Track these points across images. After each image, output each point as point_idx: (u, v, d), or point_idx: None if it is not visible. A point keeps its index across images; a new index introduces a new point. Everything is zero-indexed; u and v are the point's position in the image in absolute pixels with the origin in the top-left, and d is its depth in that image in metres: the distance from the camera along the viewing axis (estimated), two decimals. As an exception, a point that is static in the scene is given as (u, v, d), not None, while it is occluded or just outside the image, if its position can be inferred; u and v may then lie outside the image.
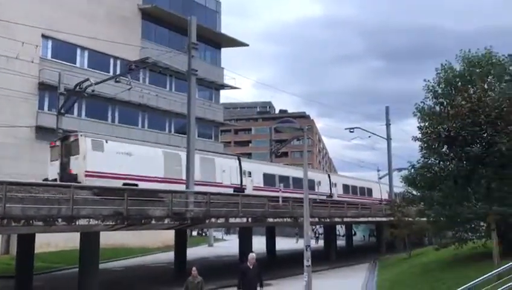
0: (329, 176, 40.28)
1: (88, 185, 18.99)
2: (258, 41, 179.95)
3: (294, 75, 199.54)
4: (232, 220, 22.18)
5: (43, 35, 33.25)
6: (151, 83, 40.87)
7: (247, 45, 49.49)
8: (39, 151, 31.59)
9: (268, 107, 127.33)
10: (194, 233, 54.43)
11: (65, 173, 20.91)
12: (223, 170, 27.33)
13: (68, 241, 29.53)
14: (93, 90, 25.42)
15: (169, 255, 30.25)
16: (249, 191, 28.14)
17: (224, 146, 52.82)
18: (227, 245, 45.61)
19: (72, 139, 21.49)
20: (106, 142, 21.94)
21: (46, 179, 21.17)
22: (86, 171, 20.22)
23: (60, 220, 14.88)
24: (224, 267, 29.29)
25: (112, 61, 38.33)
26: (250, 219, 22.98)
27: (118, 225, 17.01)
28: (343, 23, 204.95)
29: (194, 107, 24.17)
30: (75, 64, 35.86)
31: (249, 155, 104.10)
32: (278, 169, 33.08)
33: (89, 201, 16.37)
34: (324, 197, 35.17)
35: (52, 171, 21.79)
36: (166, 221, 18.85)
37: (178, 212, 19.35)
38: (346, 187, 41.36)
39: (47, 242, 29.11)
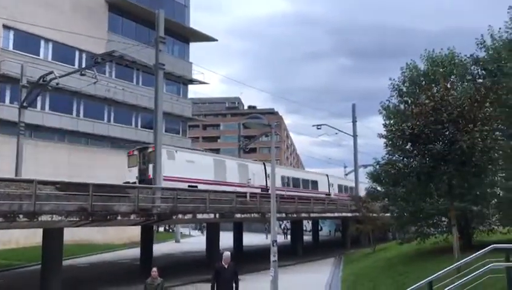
0: (327, 177, 43.33)
1: (52, 180, 18.59)
2: (226, 37, 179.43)
3: (263, 71, 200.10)
4: (199, 215, 22.10)
5: (4, 26, 32.20)
6: (118, 77, 40.18)
7: (216, 40, 49.26)
8: (1, 145, 30.67)
9: (237, 102, 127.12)
10: (161, 229, 53.91)
11: (145, 178, 25.20)
12: (254, 174, 32.86)
13: (29, 238, 28.86)
14: (57, 83, 24.86)
15: (135, 252, 29.91)
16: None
17: (192, 141, 52.43)
18: (195, 241, 45.41)
19: (150, 150, 25.84)
20: (176, 152, 26.98)
21: (127, 182, 24.61)
22: (164, 176, 24.13)
23: (21, 216, 14.47)
24: (190, 263, 29.22)
25: (77, 53, 37.46)
26: (217, 215, 22.95)
27: (82, 221, 16.67)
28: (312, 21, 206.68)
29: (162, 101, 23.92)
30: (38, 56, 34.88)
31: (217, 151, 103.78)
32: (290, 172, 39.79)
33: (52, 197, 15.96)
34: (323, 196, 38.85)
35: (131, 175, 26.52)
36: (132, 217, 18.60)
37: (144, 208, 19.12)
38: (340, 187, 45.31)
39: (7, 239, 28.31)
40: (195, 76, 47.09)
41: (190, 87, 48.68)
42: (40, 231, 18.13)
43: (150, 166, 25.37)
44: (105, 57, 26.52)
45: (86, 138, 38.01)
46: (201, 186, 25.90)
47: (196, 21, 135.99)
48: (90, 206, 16.53)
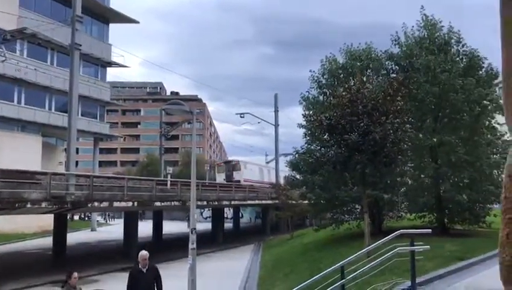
0: None
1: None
2: (148, 19, 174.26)
3: (186, 56, 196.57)
4: (116, 204, 21.45)
5: None
6: (30, 56, 37.49)
7: (138, 22, 47.64)
8: None
9: (159, 88, 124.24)
10: (76, 217, 51.78)
11: (231, 179, 42.64)
12: (271, 175, 47.92)
13: None
14: (-41, 60, 22.81)
15: (48, 241, 28.49)
16: None
17: (110, 127, 50.55)
18: (112, 230, 44.14)
19: (234, 162, 46.07)
20: (246, 164, 46.47)
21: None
22: (244, 179, 42.55)
23: None
24: (107, 252, 28.36)
25: (-17, 29, 34.50)
26: (136, 203, 22.40)
27: (-14, 209, 15.55)
28: (235, 8, 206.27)
29: (77, 84, 22.83)
30: None
31: (137, 137, 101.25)
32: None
33: (-49, 183, 14.71)
34: None
35: (220, 178, 44.36)
36: (43, 204, 17.67)
37: (57, 196, 18.22)
38: None
39: None
40: (114, 58, 45.18)
41: (109, 70, 46.74)
42: None
43: (235, 173, 43.81)
44: (15, 34, 24.75)
45: (-8, 121, 35.30)
46: (255, 185, 41.26)
47: (116, 1, 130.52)
48: (-4, 193, 15.45)
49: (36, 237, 34.43)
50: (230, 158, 49.36)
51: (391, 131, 14.47)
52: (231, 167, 44.95)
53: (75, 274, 8.90)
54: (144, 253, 9.02)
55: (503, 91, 1.09)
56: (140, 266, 8.95)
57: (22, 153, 31.52)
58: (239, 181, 40.76)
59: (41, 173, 19.37)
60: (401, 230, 10.79)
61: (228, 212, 51.04)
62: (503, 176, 1.11)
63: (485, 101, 19.43)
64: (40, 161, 34.70)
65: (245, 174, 43.95)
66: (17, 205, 16.66)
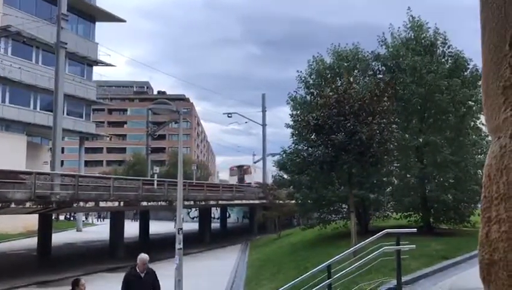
0: None
1: None
2: (134, 17, 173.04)
3: (172, 55, 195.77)
4: (102, 204, 21.28)
5: None
6: (14, 54, 36.97)
7: (124, 21, 47.25)
8: None
9: (146, 87, 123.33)
10: (62, 217, 51.25)
11: (243, 182, 47.71)
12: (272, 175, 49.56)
13: None
14: None
15: (32, 241, 28.16)
16: None
17: (96, 126, 50.09)
18: (98, 230, 43.80)
19: (245, 167, 52.69)
20: (255, 168, 52.11)
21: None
22: (254, 181, 45.75)
23: None
24: (93, 252, 28.14)
25: (-34, 26, 33.96)
26: (122, 203, 22.24)
27: (-31, 209, 15.32)
28: (223, 7, 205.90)
29: (63, 82, 22.64)
30: None
31: (123, 137, 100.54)
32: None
33: None
34: None
35: (232, 180, 50.56)
36: (28, 205, 17.46)
37: (42, 196, 18.01)
38: None
39: None
40: (101, 57, 44.74)
41: (95, 68, 46.26)
42: None
43: (246, 176, 50.32)
44: (-1, 32, 24.43)
45: (-24, 120, 34.79)
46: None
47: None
48: (-21, 193, 15.23)
49: (21, 238, 34.02)
50: (242, 163, 55.37)
51: (377, 131, 14.56)
52: (243, 171, 51.57)
53: (83, 281, 8.00)
54: (144, 256, 8.29)
55: (482, 93, 1.10)
56: (138, 271, 8.20)
57: (6, 153, 31.12)
58: (250, 183, 45.77)
59: (26, 172, 19.15)
60: (387, 229, 10.86)
61: (215, 212, 50.99)
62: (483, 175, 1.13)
63: (470, 102, 19.67)
64: (24, 160, 34.28)
65: (255, 177, 49.17)
66: (0, 205, 16.45)
